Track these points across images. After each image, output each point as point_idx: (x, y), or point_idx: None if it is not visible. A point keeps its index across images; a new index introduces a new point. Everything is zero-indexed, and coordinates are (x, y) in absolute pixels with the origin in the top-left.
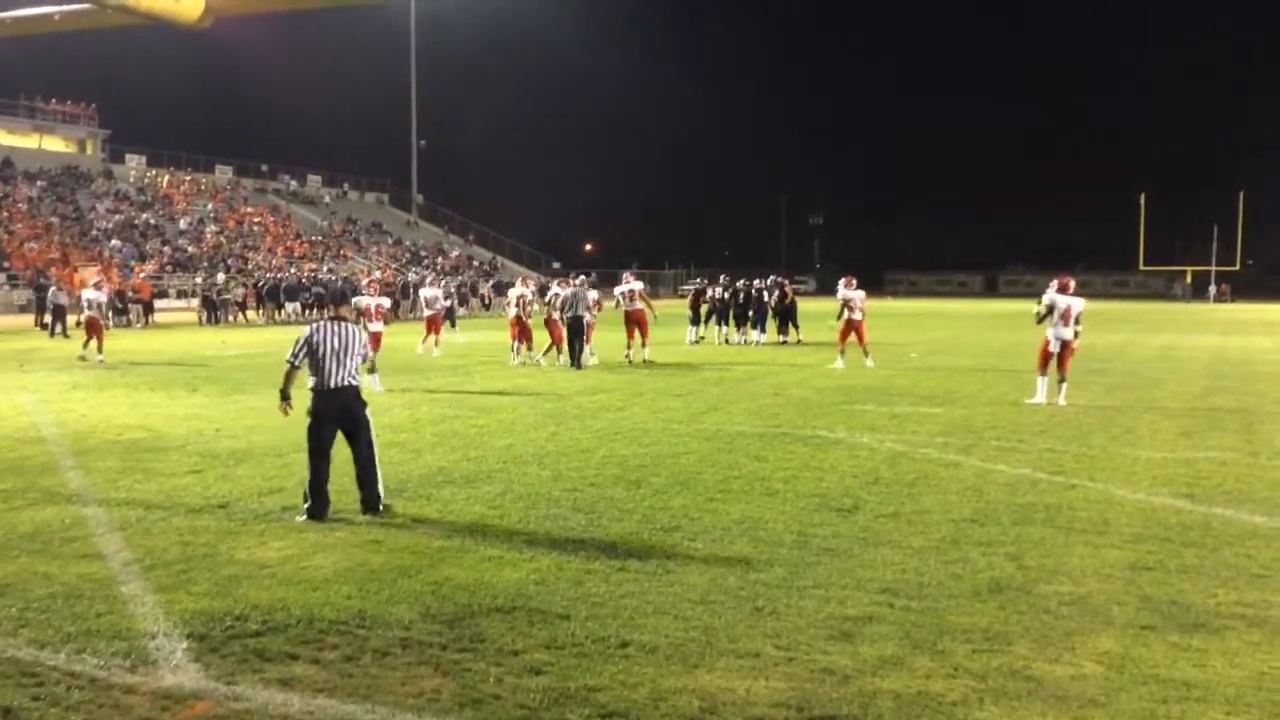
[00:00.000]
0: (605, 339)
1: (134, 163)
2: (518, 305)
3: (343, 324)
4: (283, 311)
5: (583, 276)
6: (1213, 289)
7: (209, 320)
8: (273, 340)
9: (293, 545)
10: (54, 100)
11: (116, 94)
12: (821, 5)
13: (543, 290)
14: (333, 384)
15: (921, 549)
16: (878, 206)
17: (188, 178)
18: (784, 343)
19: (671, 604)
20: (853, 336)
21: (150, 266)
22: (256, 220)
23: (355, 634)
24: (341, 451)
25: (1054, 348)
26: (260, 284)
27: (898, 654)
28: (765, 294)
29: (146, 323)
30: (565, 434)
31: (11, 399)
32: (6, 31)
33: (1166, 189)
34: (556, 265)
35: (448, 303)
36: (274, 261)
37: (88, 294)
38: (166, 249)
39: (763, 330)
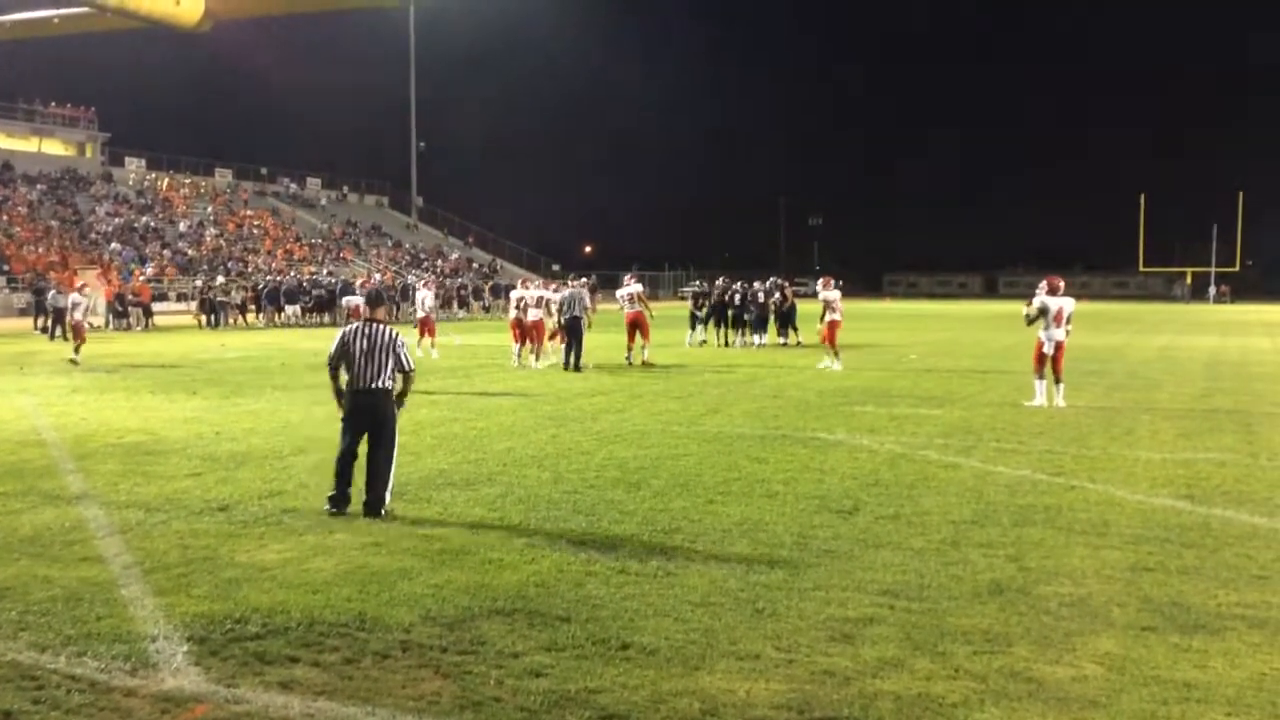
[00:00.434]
0: (606, 340)
1: (133, 166)
2: (518, 308)
3: (375, 325)
4: (282, 314)
5: (585, 279)
6: (1212, 290)
7: (209, 323)
8: (272, 343)
9: (293, 548)
10: (53, 103)
11: (116, 97)
12: (821, 5)
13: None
14: (360, 384)
15: (922, 550)
16: (877, 208)
17: (187, 181)
18: (784, 345)
19: (672, 606)
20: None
21: (150, 270)
22: (256, 223)
23: (355, 636)
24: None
25: (1048, 349)
26: (261, 287)
27: (898, 655)
28: (763, 296)
29: (146, 326)
30: (565, 436)
31: (11, 402)
32: (6, 35)
33: (1166, 190)
34: (556, 268)
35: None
36: (274, 264)
37: (72, 298)
38: (166, 252)
39: (763, 332)
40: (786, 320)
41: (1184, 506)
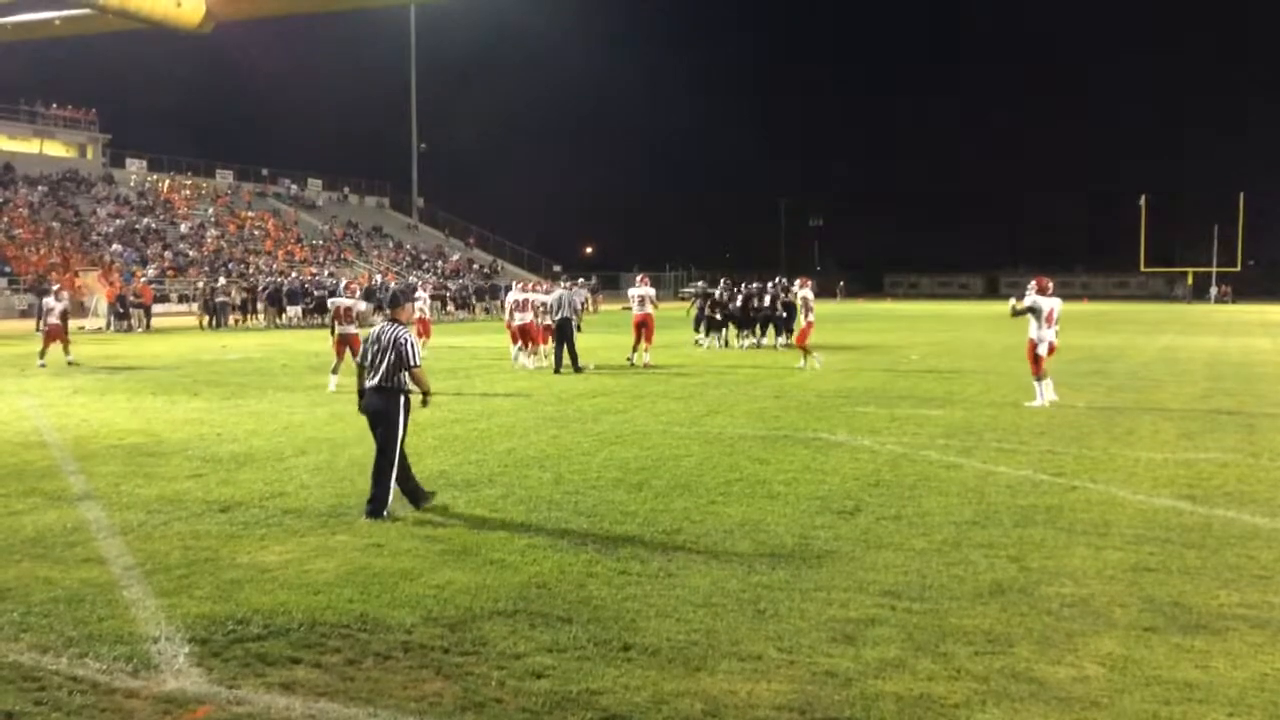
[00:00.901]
0: (607, 341)
1: (135, 167)
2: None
3: (391, 325)
4: (284, 315)
5: (580, 280)
6: (1213, 290)
7: (211, 324)
8: (273, 344)
9: (294, 549)
10: (54, 105)
11: (117, 98)
12: (821, 6)
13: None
14: (370, 382)
15: (923, 551)
16: (878, 208)
17: (188, 182)
18: (787, 345)
19: (673, 607)
20: (792, 337)
21: (151, 271)
22: (257, 224)
23: (357, 637)
24: (353, 451)
25: (1042, 350)
26: (262, 288)
27: (900, 656)
28: (763, 297)
29: (147, 327)
30: (566, 437)
31: (13, 403)
32: (6, 36)
33: (1167, 190)
34: (557, 269)
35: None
36: (275, 265)
37: (49, 302)
38: (167, 253)
39: (763, 333)
40: (788, 321)
41: (1185, 507)
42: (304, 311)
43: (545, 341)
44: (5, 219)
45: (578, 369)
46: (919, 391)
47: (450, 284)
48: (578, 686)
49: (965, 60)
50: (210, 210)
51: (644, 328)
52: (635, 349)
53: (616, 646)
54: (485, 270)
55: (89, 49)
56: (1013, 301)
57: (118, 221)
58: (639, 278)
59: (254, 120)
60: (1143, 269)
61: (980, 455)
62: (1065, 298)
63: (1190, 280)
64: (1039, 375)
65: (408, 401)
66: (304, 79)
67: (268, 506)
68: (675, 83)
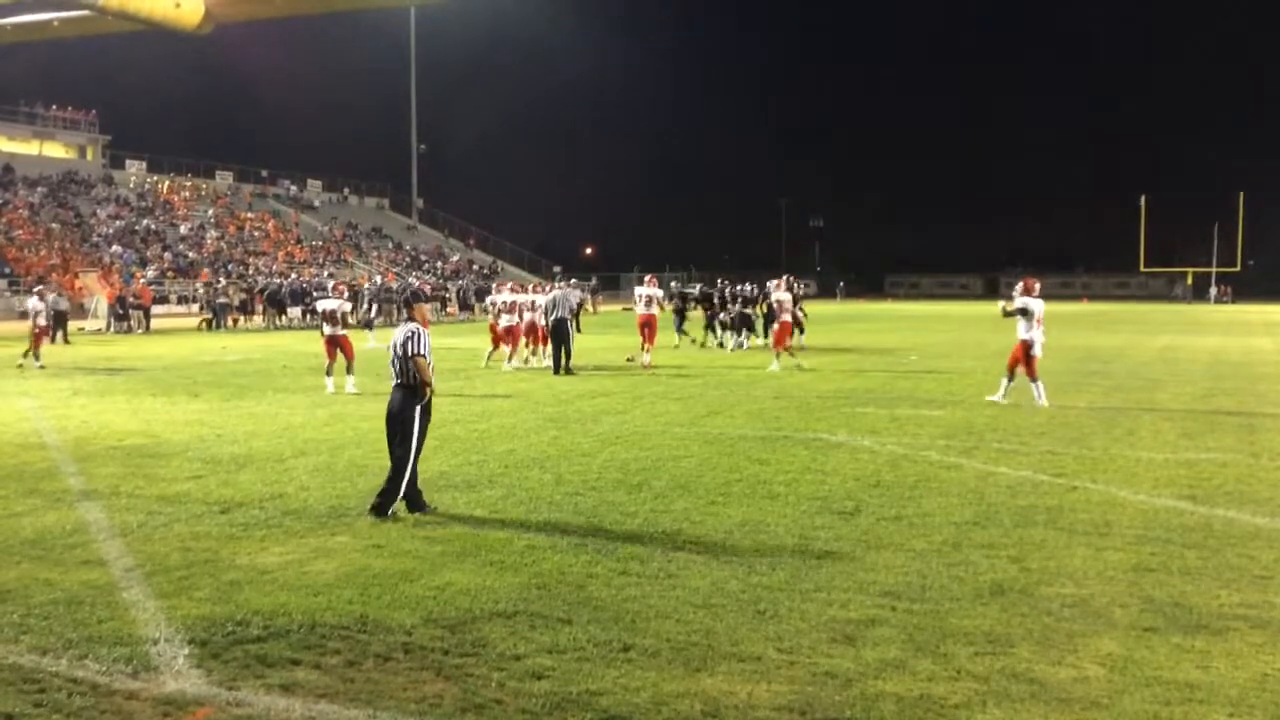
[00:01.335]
0: (607, 342)
1: (134, 168)
2: (506, 311)
3: (406, 325)
4: (284, 316)
5: (573, 280)
6: (1213, 290)
7: (211, 325)
8: (273, 345)
9: (294, 550)
10: (54, 106)
11: (116, 100)
12: (821, 6)
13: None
14: (394, 381)
15: (923, 552)
16: (878, 209)
17: (188, 183)
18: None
19: (673, 608)
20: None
21: (151, 272)
22: (257, 226)
23: (357, 639)
24: (352, 453)
25: (1037, 351)
26: (263, 289)
27: (900, 657)
28: (738, 299)
29: (146, 328)
30: (566, 438)
31: (12, 405)
32: (6, 38)
33: (1167, 190)
34: (557, 269)
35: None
36: (275, 266)
37: (33, 303)
38: (167, 255)
39: (739, 334)
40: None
41: (1186, 507)
42: (304, 312)
43: (540, 343)
44: (5, 220)
45: (569, 370)
46: (919, 392)
47: (450, 285)
48: (578, 688)
49: (965, 60)
50: (210, 211)
51: (648, 328)
52: (643, 349)
53: (616, 647)
54: (485, 271)
55: (89, 50)
56: (1002, 304)
57: (117, 223)
58: (646, 278)
59: (253, 121)
60: (1143, 269)
61: (980, 456)
62: (1065, 298)
63: (1190, 280)
64: (1033, 376)
65: (428, 403)
66: (303, 80)
67: (267, 508)
68: (675, 83)
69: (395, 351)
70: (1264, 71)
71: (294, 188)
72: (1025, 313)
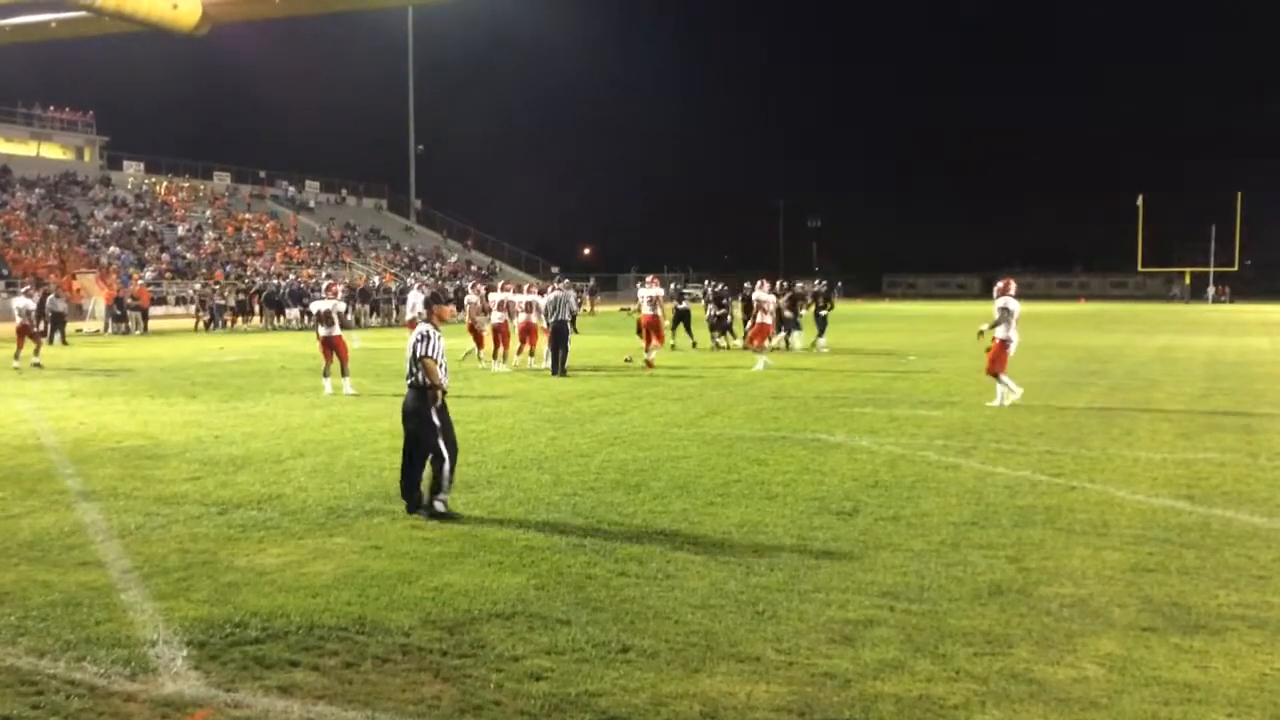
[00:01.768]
0: (606, 343)
1: (132, 169)
2: (502, 309)
3: (421, 326)
4: (282, 317)
5: (568, 281)
6: (1211, 290)
7: (207, 326)
8: (271, 346)
9: (292, 552)
10: (51, 107)
11: (114, 101)
12: (820, 6)
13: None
14: (409, 383)
15: (922, 552)
16: (876, 209)
17: (186, 184)
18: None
19: (672, 608)
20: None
21: (149, 273)
22: (255, 227)
23: (355, 640)
24: (350, 454)
25: (1013, 350)
26: (260, 290)
27: (898, 657)
28: (723, 299)
29: (144, 329)
30: (564, 439)
31: (10, 406)
32: (4, 39)
33: (1165, 190)
34: (555, 270)
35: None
36: (272, 267)
37: (18, 302)
38: (165, 256)
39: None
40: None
41: (1184, 507)
42: (302, 314)
43: (533, 344)
44: (2, 222)
45: (563, 372)
46: (917, 392)
47: (449, 285)
48: (576, 688)
49: (965, 60)
50: (208, 212)
51: (650, 328)
52: (649, 349)
53: (615, 648)
54: (483, 272)
55: (86, 51)
56: (981, 329)
57: (115, 224)
58: (649, 279)
59: (251, 122)
60: (1140, 269)
61: (979, 456)
62: (1063, 298)
63: (1188, 280)
64: (1000, 373)
65: (443, 402)
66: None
67: (265, 509)
68: (675, 83)
69: (408, 352)
70: (1264, 71)
71: (292, 188)
72: (1007, 312)
